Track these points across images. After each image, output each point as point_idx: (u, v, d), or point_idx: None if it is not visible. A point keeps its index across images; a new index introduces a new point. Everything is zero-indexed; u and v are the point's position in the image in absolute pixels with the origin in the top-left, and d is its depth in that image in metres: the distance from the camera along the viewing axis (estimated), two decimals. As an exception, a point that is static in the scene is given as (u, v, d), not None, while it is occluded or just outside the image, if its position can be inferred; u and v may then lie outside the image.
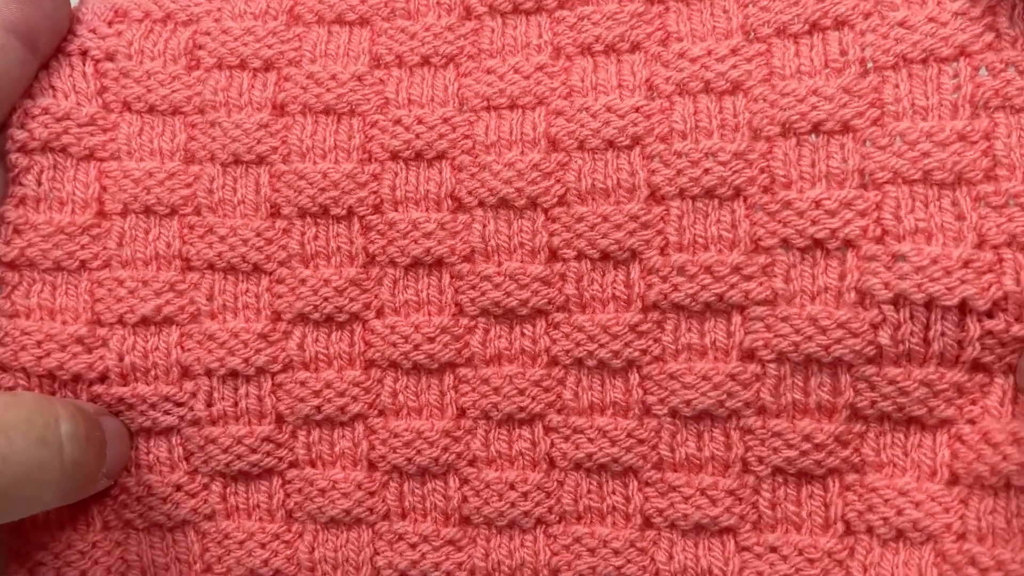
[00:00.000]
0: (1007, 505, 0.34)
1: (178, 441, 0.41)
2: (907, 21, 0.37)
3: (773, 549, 0.37)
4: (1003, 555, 0.34)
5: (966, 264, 0.35)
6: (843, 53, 0.37)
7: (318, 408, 0.40)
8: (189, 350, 0.41)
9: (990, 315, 0.35)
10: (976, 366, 0.35)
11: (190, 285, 0.41)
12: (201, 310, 0.41)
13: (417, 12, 0.42)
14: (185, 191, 0.41)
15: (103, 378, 0.40)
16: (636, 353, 0.38)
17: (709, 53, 0.39)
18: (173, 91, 0.41)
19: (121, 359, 0.40)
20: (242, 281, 0.41)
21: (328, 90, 0.41)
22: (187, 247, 0.41)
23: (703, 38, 0.39)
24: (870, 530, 0.36)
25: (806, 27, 0.38)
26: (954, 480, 0.35)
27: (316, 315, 0.40)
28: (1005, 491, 0.34)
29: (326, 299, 0.40)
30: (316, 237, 0.40)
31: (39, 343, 0.39)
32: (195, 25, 0.42)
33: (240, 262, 0.40)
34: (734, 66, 0.38)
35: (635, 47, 0.40)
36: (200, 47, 0.42)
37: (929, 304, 0.35)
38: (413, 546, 0.40)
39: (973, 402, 0.35)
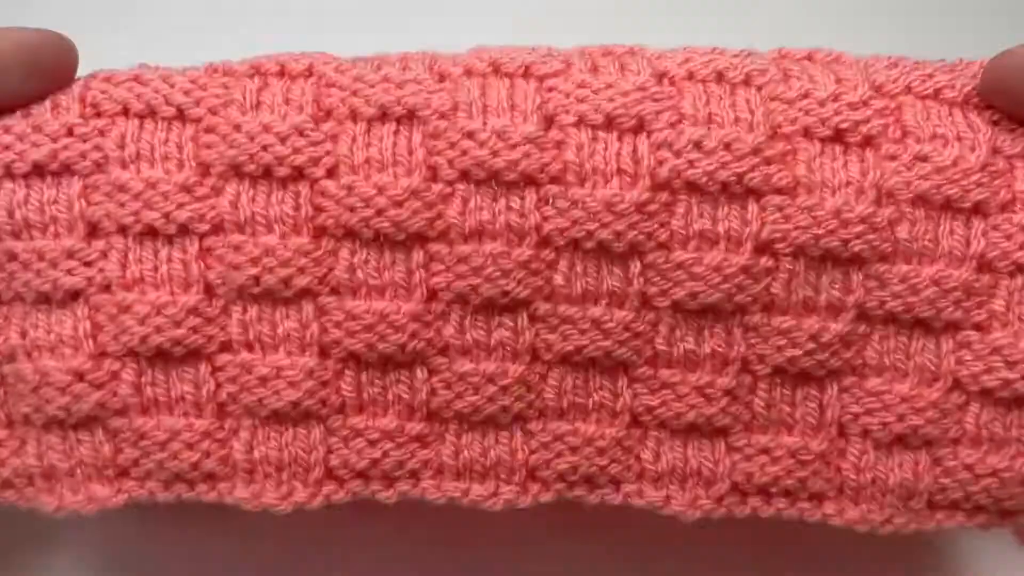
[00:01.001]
0: (1007, 414, 0.34)
1: (85, 313, 0.33)
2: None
3: (764, 451, 0.36)
4: (997, 463, 0.34)
5: (983, 168, 0.34)
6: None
7: (256, 279, 0.33)
8: (96, 204, 0.33)
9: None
10: (982, 265, 0.34)
11: (94, 130, 0.33)
12: (109, 157, 0.33)
13: None
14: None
15: None
16: (641, 236, 0.34)
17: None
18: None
19: (11, 215, 0.32)
20: (161, 130, 0.33)
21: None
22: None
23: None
24: (866, 433, 0.35)
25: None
26: (956, 386, 0.35)
27: (252, 166, 0.33)
28: (1014, 403, 0.34)
29: (265, 148, 0.33)
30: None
31: None
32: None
33: (162, 104, 0.33)
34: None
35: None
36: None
37: (945, 204, 0.34)
38: (373, 443, 0.35)
39: (979, 305, 0.35)
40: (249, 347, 0.34)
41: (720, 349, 0.35)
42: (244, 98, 0.34)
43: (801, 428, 0.36)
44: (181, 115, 0.34)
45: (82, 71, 0.35)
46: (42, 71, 0.33)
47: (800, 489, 0.36)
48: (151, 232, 0.33)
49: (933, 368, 0.35)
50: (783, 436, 0.36)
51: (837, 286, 0.34)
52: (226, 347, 0.34)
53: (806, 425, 0.36)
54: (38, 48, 0.33)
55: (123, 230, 0.33)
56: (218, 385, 0.34)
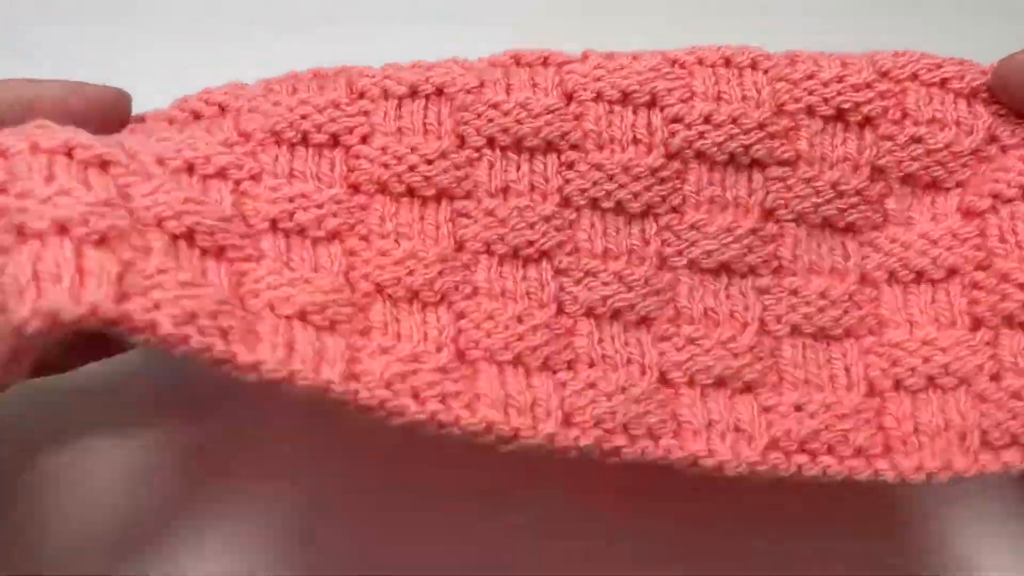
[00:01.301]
0: None
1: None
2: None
3: (798, 408, 0.35)
4: None
5: (974, 152, 0.37)
6: None
7: (289, 214, 0.35)
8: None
9: None
10: (968, 213, 0.37)
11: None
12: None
13: None
14: None
15: None
16: (656, 199, 0.36)
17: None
18: None
19: None
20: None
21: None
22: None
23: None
24: (898, 384, 0.35)
25: None
26: (976, 324, 0.36)
27: (291, 133, 0.36)
28: None
29: (303, 116, 0.36)
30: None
31: None
32: None
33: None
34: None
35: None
36: None
37: (931, 183, 0.37)
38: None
39: (977, 248, 0.36)
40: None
41: (737, 311, 0.36)
42: (280, 88, 0.36)
43: (832, 388, 0.36)
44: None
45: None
46: (108, 125, 0.36)
47: (843, 443, 0.35)
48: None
49: (947, 313, 0.36)
50: (814, 394, 0.36)
51: (837, 252, 0.37)
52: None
53: (836, 385, 0.36)
54: (104, 103, 0.36)
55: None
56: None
